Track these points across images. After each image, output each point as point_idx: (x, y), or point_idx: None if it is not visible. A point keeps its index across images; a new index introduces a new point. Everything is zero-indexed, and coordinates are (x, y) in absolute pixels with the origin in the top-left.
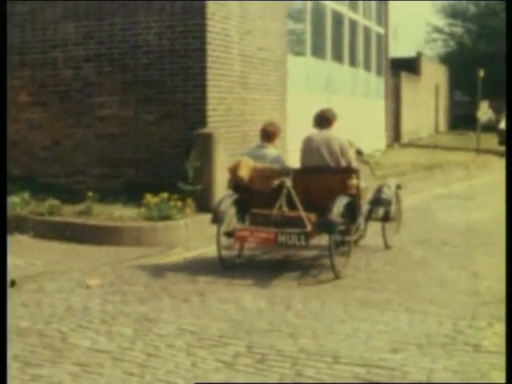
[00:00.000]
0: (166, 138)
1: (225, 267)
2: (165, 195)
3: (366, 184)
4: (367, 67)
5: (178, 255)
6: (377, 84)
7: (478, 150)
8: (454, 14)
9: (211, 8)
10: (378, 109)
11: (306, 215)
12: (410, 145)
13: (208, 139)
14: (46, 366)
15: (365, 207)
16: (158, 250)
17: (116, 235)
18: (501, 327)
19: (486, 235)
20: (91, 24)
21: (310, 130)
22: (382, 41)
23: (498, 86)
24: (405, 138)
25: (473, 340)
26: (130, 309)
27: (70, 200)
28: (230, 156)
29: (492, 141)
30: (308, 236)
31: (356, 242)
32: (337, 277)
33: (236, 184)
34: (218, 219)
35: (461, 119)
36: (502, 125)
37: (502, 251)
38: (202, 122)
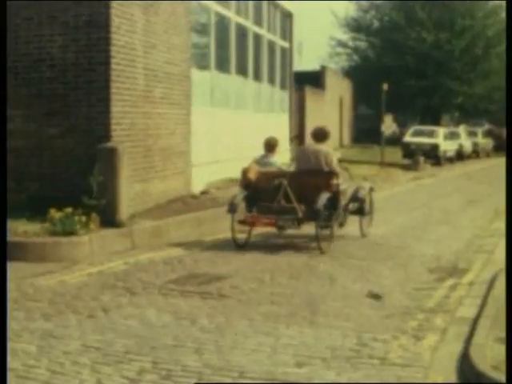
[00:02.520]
0: (70, 152)
1: (238, 246)
2: (69, 210)
3: (345, 186)
4: (272, 81)
5: (82, 271)
6: (281, 98)
7: (382, 164)
8: (357, 28)
9: (116, 21)
10: (282, 122)
11: (298, 206)
12: None
13: (112, 153)
14: None
15: (344, 202)
16: (62, 266)
17: (20, 251)
18: (405, 340)
19: (389, 248)
20: None
21: (215, 144)
22: (287, 55)
23: (402, 100)
24: None
25: (378, 353)
26: (35, 325)
27: None
28: (135, 170)
29: (396, 154)
30: (299, 221)
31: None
32: (322, 253)
33: (246, 184)
34: (232, 209)
35: (365, 133)
36: (406, 138)
37: (406, 264)
38: (106, 136)
